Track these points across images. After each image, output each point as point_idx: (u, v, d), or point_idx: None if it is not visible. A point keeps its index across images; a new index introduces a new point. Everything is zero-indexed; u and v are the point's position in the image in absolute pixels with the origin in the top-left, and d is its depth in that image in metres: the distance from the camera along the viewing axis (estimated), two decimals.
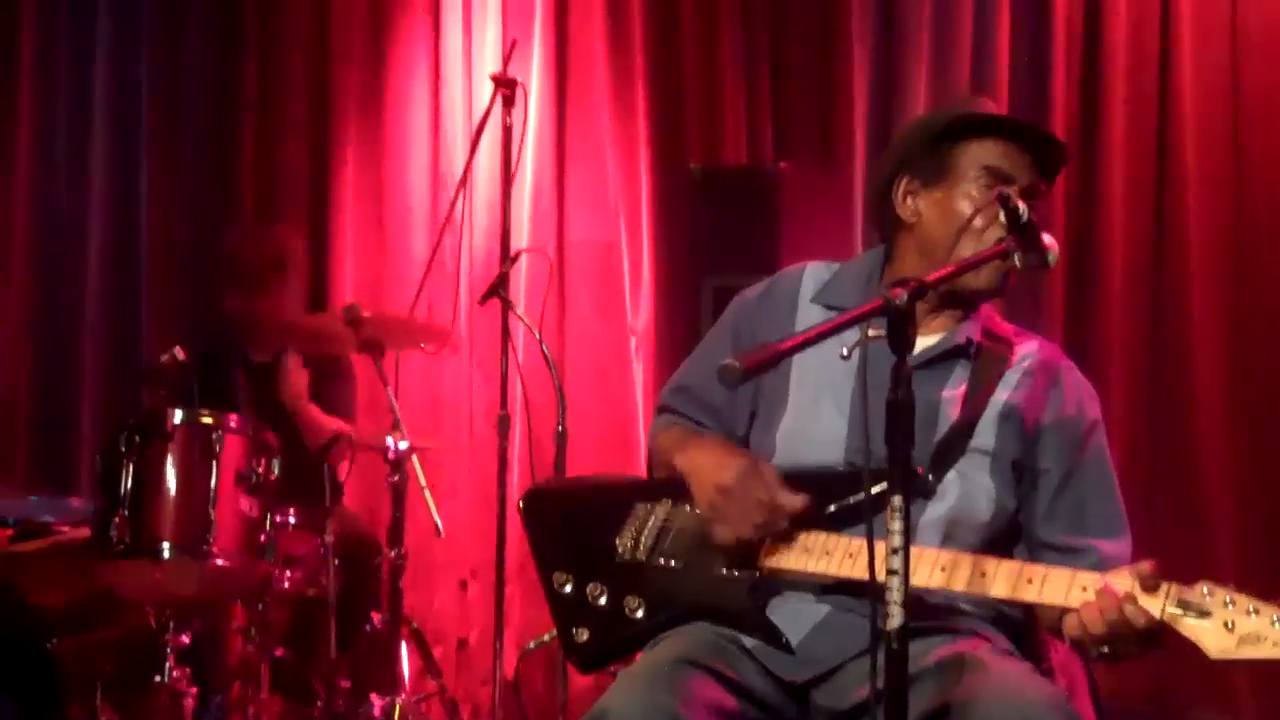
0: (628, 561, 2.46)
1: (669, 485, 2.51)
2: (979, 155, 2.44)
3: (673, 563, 2.43)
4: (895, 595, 1.92)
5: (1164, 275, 4.97)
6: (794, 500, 2.30)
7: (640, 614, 2.43)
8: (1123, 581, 2.08)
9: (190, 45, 5.73)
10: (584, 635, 2.46)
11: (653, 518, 2.49)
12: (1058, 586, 2.12)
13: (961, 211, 2.43)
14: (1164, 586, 2.05)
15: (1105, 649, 2.08)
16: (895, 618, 1.91)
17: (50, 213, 5.72)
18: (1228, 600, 1.99)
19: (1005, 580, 2.15)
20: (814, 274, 2.65)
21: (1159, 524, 4.59)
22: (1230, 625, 1.98)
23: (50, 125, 5.75)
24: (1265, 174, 4.91)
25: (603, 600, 2.45)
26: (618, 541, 2.49)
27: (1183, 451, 4.88)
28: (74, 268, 5.67)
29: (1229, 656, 1.98)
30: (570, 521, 2.60)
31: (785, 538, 2.32)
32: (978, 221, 2.40)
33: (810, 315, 2.56)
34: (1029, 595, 2.14)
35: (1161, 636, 2.07)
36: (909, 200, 2.52)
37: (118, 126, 5.73)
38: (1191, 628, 2.01)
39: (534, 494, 2.74)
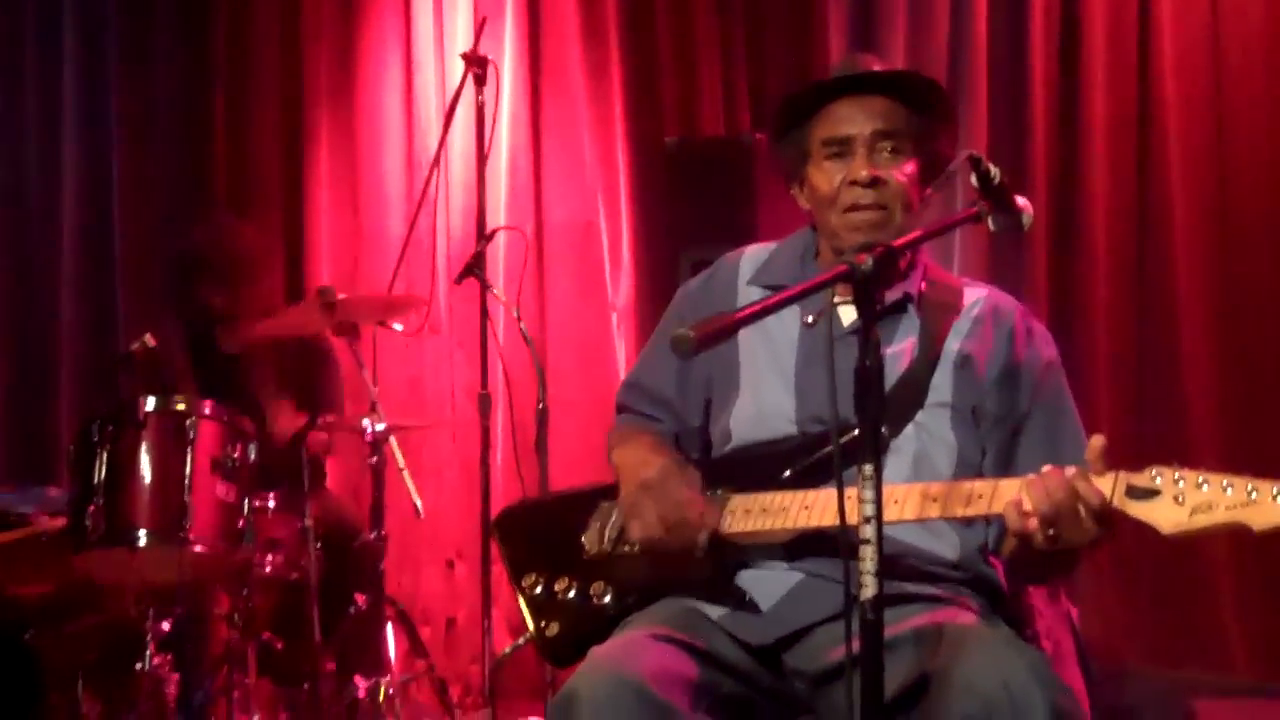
0: (594, 555, 2.48)
1: None
2: (817, 131, 2.49)
3: (636, 548, 2.42)
4: (869, 565, 1.88)
5: (1148, 243, 4.95)
6: (710, 516, 2.31)
7: (608, 599, 2.43)
8: (1071, 471, 2.05)
9: (159, 31, 5.70)
10: (554, 629, 2.45)
11: (616, 512, 2.49)
12: (1008, 496, 2.09)
13: (817, 188, 2.49)
14: (1111, 474, 2.03)
15: (1050, 530, 2.03)
16: (869, 587, 1.88)
17: (22, 203, 5.68)
18: (1176, 477, 1.97)
19: (957, 501, 2.13)
20: (752, 257, 2.67)
21: None
22: (1180, 499, 1.96)
23: (20, 113, 5.71)
24: (1248, 136, 4.90)
25: (571, 593, 2.46)
26: (584, 539, 2.50)
27: (1170, 411, 4.87)
28: (47, 257, 5.65)
29: (1183, 529, 1.95)
30: (540, 530, 2.63)
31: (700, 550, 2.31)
32: (831, 187, 2.45)
33: (750, 297, 2.57)
34: (980, 509, 2.12)
35: (1110, 519, 2.03)
36: (800, 192, 2.57)
37: (88, 115, 5.69)
38: (1142, 509, 1.98)
39: (506, 513, 2.78)
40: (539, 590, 2.49)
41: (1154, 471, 2.00)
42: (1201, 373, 4.86)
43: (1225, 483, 1.94)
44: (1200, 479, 1.96)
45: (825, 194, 2.47)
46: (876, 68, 2.53)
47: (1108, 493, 2.01)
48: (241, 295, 4.51)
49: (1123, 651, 4.61)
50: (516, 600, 2.55)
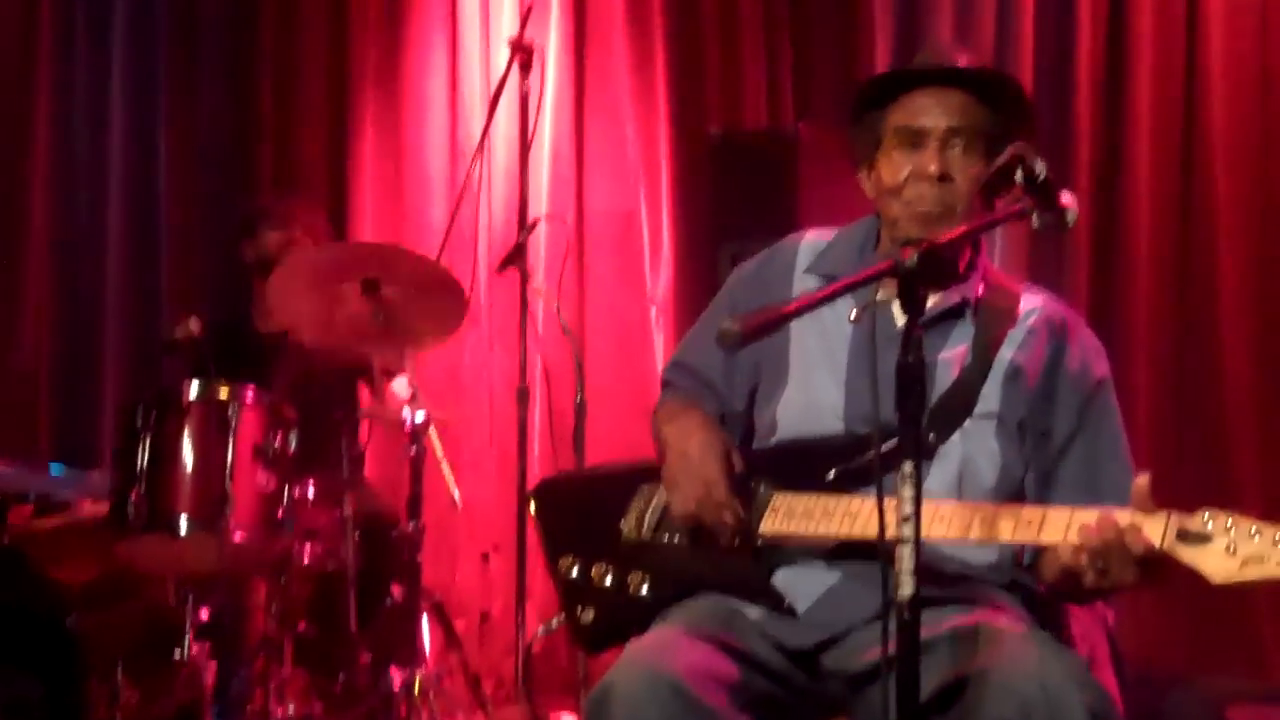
0: (633, 541, 2.47)
1: None
2: (892, 118, 2.45)
3: (676, 538, 2.42)
4: (906, 564, 1.87)
5: (1191, 245, 4.90)
6: (736, 512, 2.31)
7: (645, 590, 2.42)
8: (1124, 516, 2.04)
9: (207, 13, 5.72)
10: (589, 615, 2.45)
11: (656, 497, 2.49)
12: (1057, 525, 2.08)
13: (884, 175, 2.45)
14: (1163, 515, 2.01)
15: (1100, 565, 2.03)
16: (906, 586, 1.87)
17: (69, 186, 5.72)
18: (1229, 524, 1.95)
19: (1004, 524, 2.12)
20: (810, 244, 2.63)
21: (1186, 493, 4.50)
22: (1232, 549, 1.93)
23: (68, 97, 5.74)
24: None
25: (608, 580, 2.45)
26: (622, 523, 2.49)
27: (1210, 420, 4.81)
28: (93, 241, 5.68)
29: (1233, 580, 1.93)
30: (578, 509, 2.61)
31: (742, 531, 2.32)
32: (898, 177, 2.41)
33: (806, 286, 2.54)
34: (1028, 536, 2.11)
35: (1160, 567, 2.02)
36: (867, 177, 2.54)
37: (135, 99, 5.73)
38: (1193, 554, 1.96)
39: (544, 486, 2.77)
40: (575, 574, 2.48)
41: (1206, 516, 1.98)
42: (1243, 378, 4.80)
43: (1278, 535, 1.92)
44: (1253, 529, 1.94)
45: (890, 184, 2.43)
46: (963, 61, 2.48)
47: (1159, 535, 2.00)
48: (293, 238, 4.57)
49: (1157, 656, 4.57)
50: (551, 582, 2.53)
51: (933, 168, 2.37)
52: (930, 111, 2.41)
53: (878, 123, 2.47)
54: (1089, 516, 2.06)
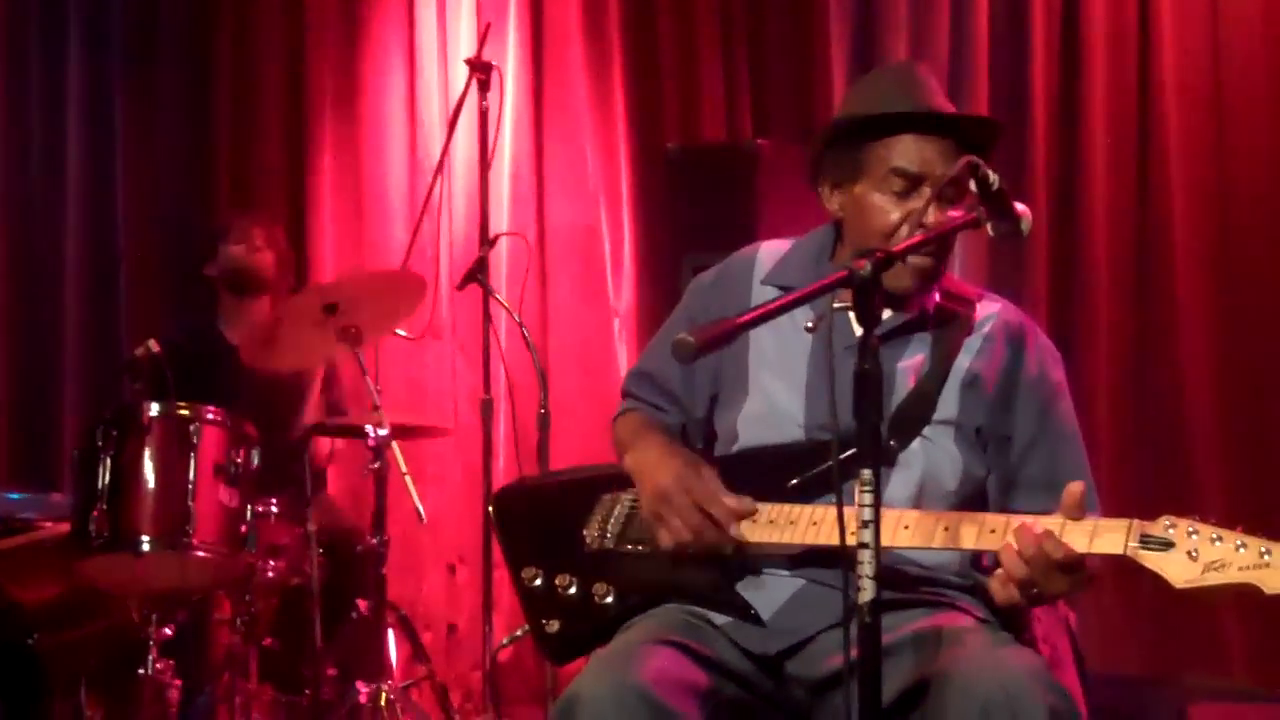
0: (595, 550, 2.47)
1: None
2: (886, 156, 2.38)
3: (640, 547, 2.43)
4: (867, 569, 1.89)
5: (1149, 251, 4.92)
6: (737, 504, 2.29)
7: (610, 600, 2.42)
8: (1049, 521, 2.07)
9: (163, 37, 5.72)
10: (554, 626, 2.45)
11: (618, 506, 2.50)
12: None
13: (872, 213, 2.39)
14: (1125, 522, 2.04)
15: (1034, 591, 2.06)
16: (867, 591, 1.89)
17: (26, 208, 5.71)
18: (1191, 530, 1.98)
19: (968, 532, 2.14)
20: (768, 254, 2.62)
21: (1148, 498, 4.55)
22: (1194, 554, 1.97)
23: (24, 119, 5.73)
24: (1248, 143, 4.86)
25: (572, 590, 2.45)
26: (585, 532, 2.49)
27: (1170, 431, 4.82)
28: (51, 262, 5.67)
29: (1195, 585, 1.97)
30: (539, 518, 2.60)
31: (723, 542, 2.30)
32: (889, 220, 2.36)
33: (763, 296, 2.52)
34: (993, 544, 2.12)
35: (1083, 571, 2.06)
36: (834, 195, 2.49)
37: (92, 119, 5.72)
38: (1156, 560, 1.99)
39: (503, 494, 2.76)
40: (539, 583, 2.48)
41: (1168, 522, 2.01)
42: (1202, 384, 4.82)
43: (1239, 542, 1.95)
44: (1214, 535, 1.97)
45: (879, 224, 2.37)
46: (940, 99, 2.44)
47: (1120, 545, 2.02)
48: (258, 250, 4.63)
49: (1120, 656, 4.61)
50: (515, 591, 2.53)
51: (930, 219, 2.31)
52: (930, 160, 2.35)
53: (862, 153, 2.40)
54: (1053, 523, 2.07)
